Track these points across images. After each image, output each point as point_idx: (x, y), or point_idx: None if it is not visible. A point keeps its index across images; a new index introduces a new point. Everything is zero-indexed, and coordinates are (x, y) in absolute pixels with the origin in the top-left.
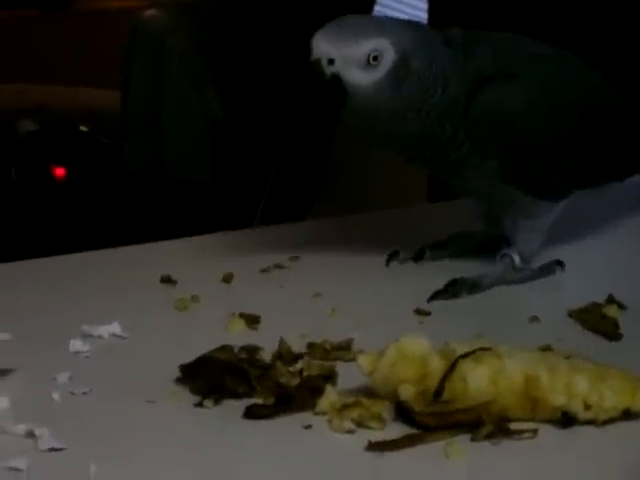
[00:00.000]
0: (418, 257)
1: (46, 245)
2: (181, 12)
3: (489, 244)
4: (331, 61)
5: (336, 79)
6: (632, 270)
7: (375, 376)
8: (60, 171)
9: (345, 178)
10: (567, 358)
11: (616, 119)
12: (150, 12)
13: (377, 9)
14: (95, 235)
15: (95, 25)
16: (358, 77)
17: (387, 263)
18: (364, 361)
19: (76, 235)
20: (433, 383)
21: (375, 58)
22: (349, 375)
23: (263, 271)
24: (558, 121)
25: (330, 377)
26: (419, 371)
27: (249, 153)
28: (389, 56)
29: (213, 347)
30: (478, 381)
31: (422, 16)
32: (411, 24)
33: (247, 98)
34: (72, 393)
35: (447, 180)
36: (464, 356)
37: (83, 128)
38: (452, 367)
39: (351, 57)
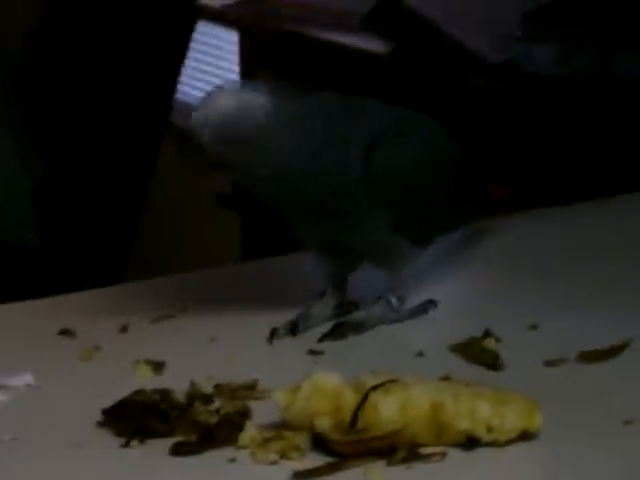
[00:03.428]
0: (294, 331)
1: None
2: None
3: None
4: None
5: None
6: (501, 304)
7: (291, 410)
8: None
9: (158, 238)
10: (466, 385)
11: (466, 171)
12: None
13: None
14: None
15: None
16: None
17: (270, 341)
18: (280, 396)
19: None
20: (347, 414)
21: None
22: (259, 412)
23: (155, 321)
24: (440, 173)
25: (245, 414)
26: (333, 403)
27: (74, 213)
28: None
29: (125, 393)
30: (389, 410)
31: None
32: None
33: (70, 157)
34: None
35: (331, 234)
36: (374, 387)
37: None
38: (364, 398)
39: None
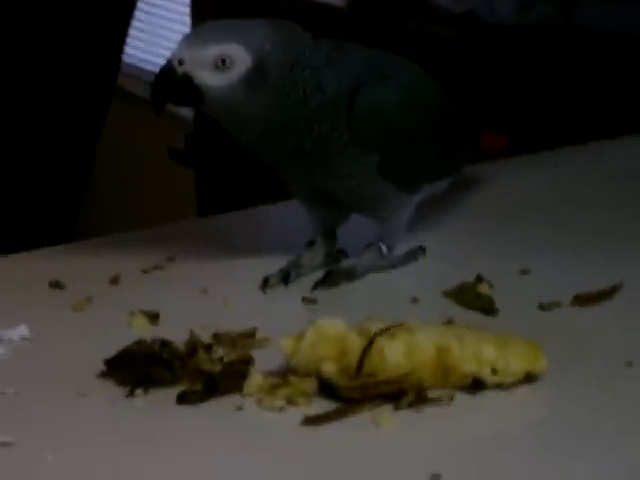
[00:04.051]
0: (286, 280)
1: None
2: None
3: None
4: (181, 62)
5: (186, 78)
6: (491, 250)
7: (297, 357)
8: None
9: (110, 196)
10: (469, 329)
11: (453, 120)
12: None
13: None
14: None
15: None
16: (208, 79)
17: (263, 290)
18: (286, 343)
19: None
20: (353, 359)
21: (224, 62)
22: (260, 359)
23: (145, 272)
24: (424, 118)
25: (248, 362)
26: (339, 349)
27: (25, 171)
28: (242, 61)
29: (122, 344)
30: (395, 355)
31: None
32: (282, 29)
33: (18, 117)
34: (2, 393)
35: (319, 181)
36: (380, 333)
37: None
38: (370, 343)
39: (199, 59)
